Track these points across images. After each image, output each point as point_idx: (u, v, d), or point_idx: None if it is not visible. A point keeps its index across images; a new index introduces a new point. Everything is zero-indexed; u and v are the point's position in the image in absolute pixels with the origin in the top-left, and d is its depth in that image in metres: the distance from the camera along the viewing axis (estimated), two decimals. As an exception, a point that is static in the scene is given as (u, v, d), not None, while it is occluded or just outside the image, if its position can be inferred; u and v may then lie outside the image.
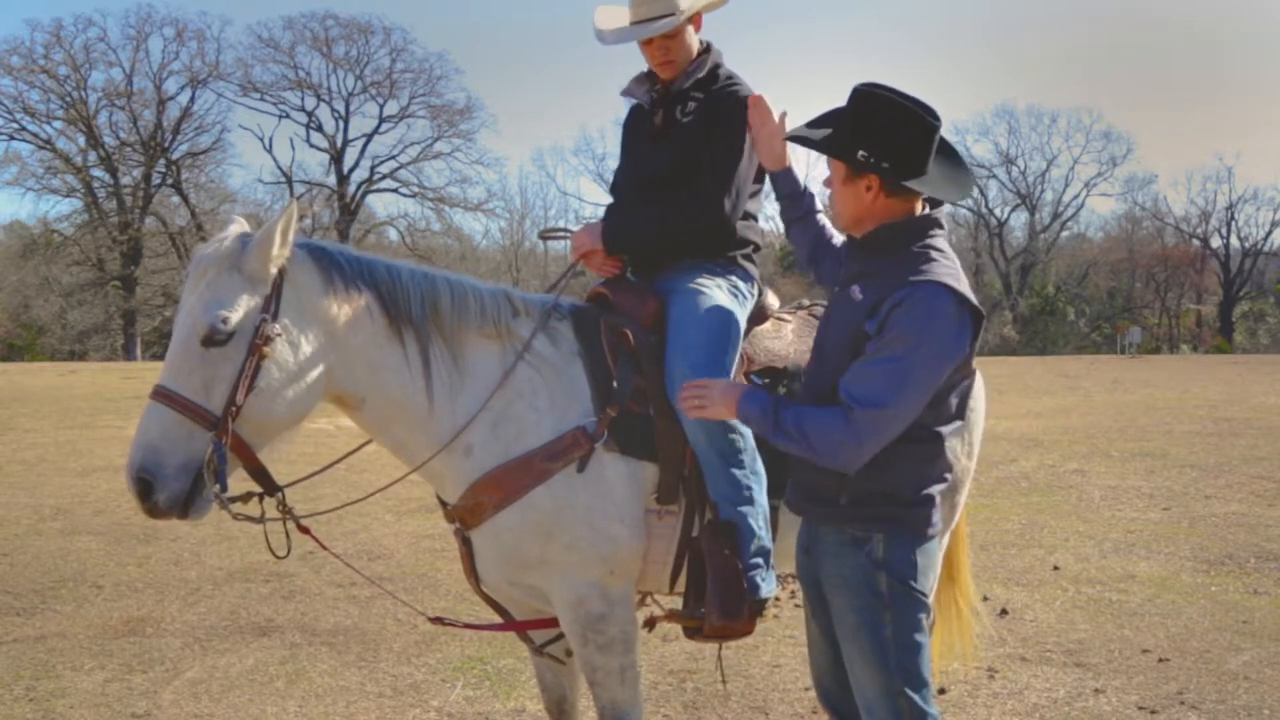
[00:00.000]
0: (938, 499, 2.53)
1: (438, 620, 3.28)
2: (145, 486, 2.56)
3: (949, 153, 2.54)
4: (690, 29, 3.14)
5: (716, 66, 3.20)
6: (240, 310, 2.61)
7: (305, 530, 2.90)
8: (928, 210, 2.52)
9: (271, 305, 2.65)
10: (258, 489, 2.80)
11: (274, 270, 2.67)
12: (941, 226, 2.52)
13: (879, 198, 2.47)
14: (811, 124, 2.62)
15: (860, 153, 2.41)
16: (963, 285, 2.41)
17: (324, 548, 3.07)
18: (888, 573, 2.46)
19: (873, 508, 2.47)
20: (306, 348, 2.70)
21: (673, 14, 3.03)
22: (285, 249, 2.69)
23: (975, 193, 54.74)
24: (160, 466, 2.56)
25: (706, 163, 3.09)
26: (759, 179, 3.20)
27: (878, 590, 2.46)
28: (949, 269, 2.43)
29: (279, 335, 2.64)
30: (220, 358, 2.59)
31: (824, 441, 2.40)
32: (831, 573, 2.54)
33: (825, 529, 2.55)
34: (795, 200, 3.02)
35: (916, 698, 2.47)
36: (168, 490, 2.57)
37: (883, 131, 2.41)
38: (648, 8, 3.08)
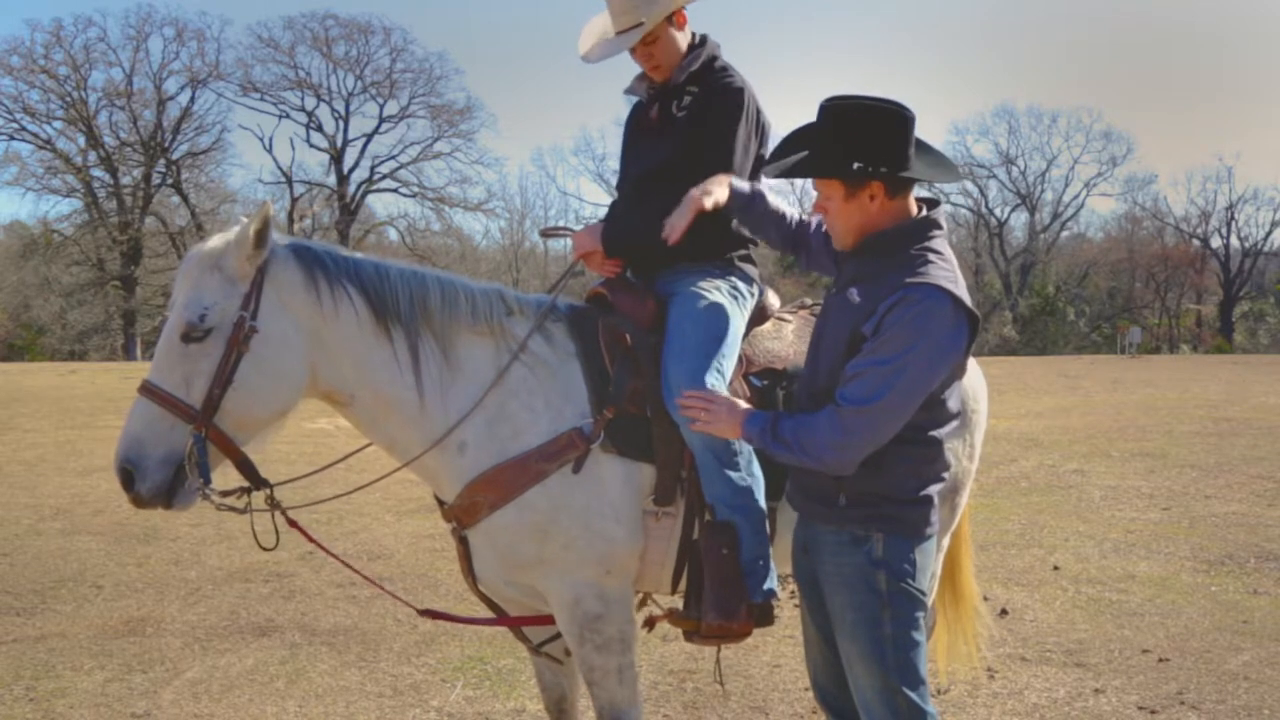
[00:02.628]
0: (936, 499, 2.54)
1: (428, 613, 3.29)
2: (128, 477, 2.64)
3: (921, 144, 2.55)
4: (671, 30, 3.14)
5: (712, 59, 3.20)
6: (217, 307, 2.67)
7: (294, 524, 2.92)
8: (925, 212, 2.52)
9: (251, 303, 2.68)
10: (246, 483, 2.83)
11: (253, 269, 2.71)
12: (940, 227, 2.52)
13: (882, 203, 2.46)
14: (781, 149, 2.63)
15: (855, 164, 2.40)
16: (960, 288, 2.41)
17: (313, 540, 3.06)
18: (887, 571, 2.47)
19: (872, 508, 2.47)
20: (286, 345, 2.73)
21: (641, 24, 3.06)
22: (262, 248, 2.72)
23: (976, 192, 54.91)
24: (143, 458, 2.63)
25: (703, 158, 3.09)
26: (754, 174, 3.20)
27: (876, 589, 2.47)
28: (946, 272, 2.42)
29: (256, 332, 2.67)
30: (199, 353, 2.65)
31: (815, 444, 2.41)
32: (830, 571, 2.55)
33: (824, 528, 2.55)
34: (747, 208, 2.99)
35: (914, 695, 2.48)
36: (149, 481, 2.63)
37: (866, 137, 2.40)
38: (622, 20, 3.11)
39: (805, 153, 2.52)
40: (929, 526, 2.53)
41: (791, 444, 2.45)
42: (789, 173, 2.53)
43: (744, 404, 2.68)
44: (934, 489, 2.53)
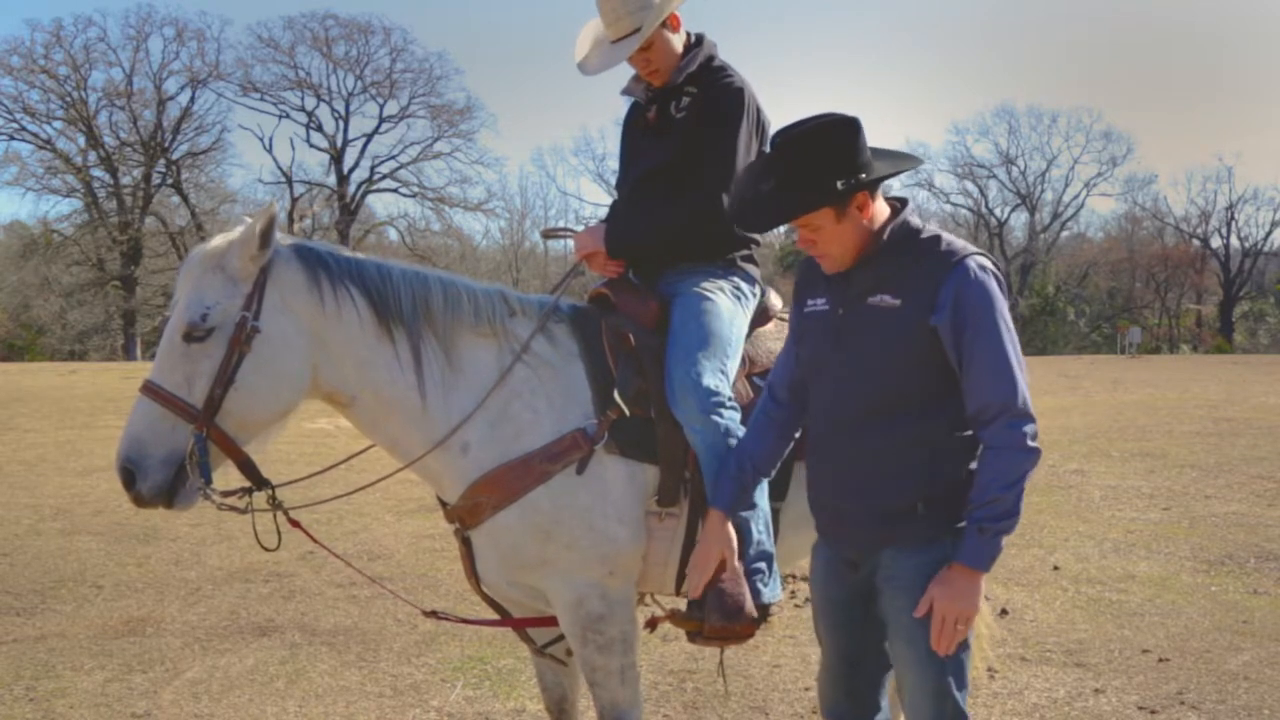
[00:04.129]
0: None
1: (432, 614, 3.29)
2: (129, 476, 2.64)
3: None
4: (666, 34, 3.12)
5: (710, 59, 3.19)
6: (220, 307, 2.67)
7: (295, 524, 2.92)
8: (902, 210, 2.56)
9: (253, 303, 2.69)
10: (247, 483, 2.83)
11: (256, 269, 2.71)
12: (917, 210, 2.59)
13: (869, 210, 2.48)
14: (743, 190, 2.62)
15: (838, 184, 2.40)
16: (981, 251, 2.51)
17: (315, 540, 3.07)
18: None
19: (950, 508, 2.42)
20: (288, 345, 2.73)
21: (639, 29, 3.05)
22: (265, 248, 2.71)
23: (976, 192, 54.97)
24: (144, 458, 2.63)
25: (704, 159, 3.08)
26: None
27: None
28: (963, 241, 2.50)
29: (258, 333, 2.68)
30: (201, 353, 2.65)
31: (1033, 457, 2.35)
32: (893, 575, 2.48)
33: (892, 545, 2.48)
34: (752, 489, 2.86)
35: (959, 698, 2.47)
36: (150, 480, 2.63)
37: (832, 155, 2.41)
38: (617, 27, 3.09)
39: (769, 188, 2.50)
40: None
41: (1020, 490, 2.35)
42: (777, 221, 2.52)
43: (954, 575, 2.41)
44: None
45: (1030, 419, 2.35)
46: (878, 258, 2.49)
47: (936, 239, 2.48)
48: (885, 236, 2.48)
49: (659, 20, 3.06)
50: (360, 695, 4.66)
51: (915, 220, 2.52)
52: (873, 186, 2.46)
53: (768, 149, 3.17)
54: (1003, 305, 2.42)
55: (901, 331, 2.43)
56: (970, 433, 2.43)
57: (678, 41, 3.17)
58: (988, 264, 2.45)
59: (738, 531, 2.86)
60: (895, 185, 55.06)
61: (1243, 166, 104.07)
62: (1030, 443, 2.35)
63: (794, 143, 2.44)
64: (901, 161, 2.55)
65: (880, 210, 2.51)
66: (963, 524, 2.41)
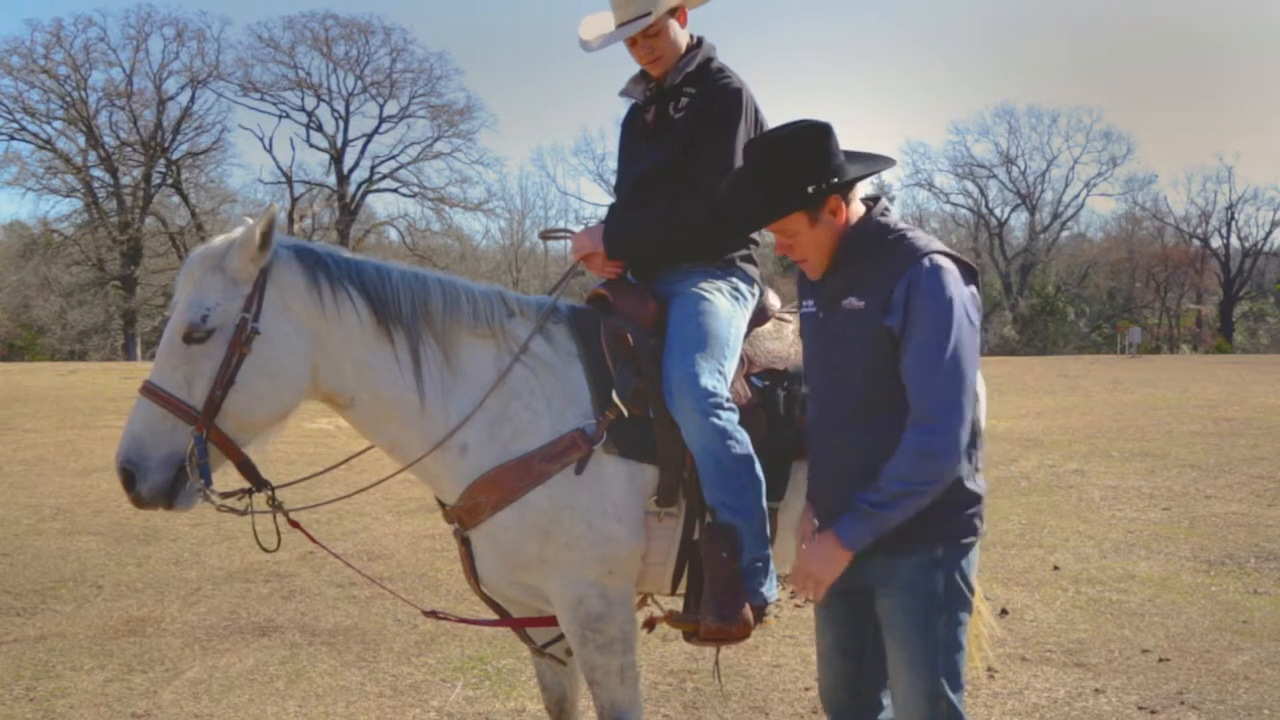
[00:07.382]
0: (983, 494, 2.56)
1: (433, 614, 3.29)
2: (129, 477, 2.64)
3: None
4: (674, 25, 3.15)
5: (708, 60, 3.21)
6: (220, 308, 2.67)
7: (295, 524, 2.92)
8: (876, 207, 2.55)
9: (253, 305, 2.69)
10: (247, 484, 2.84)
11: (256, 270, 2.72)
12: (889, 210, 2.57)
13: (842, 213, 2.48)
14: (726, 204, 2.62)
15: (809, 189, 2.41)
16: (944, 245, 2.47)
17: (315, 541, 3.07)
18: (945, 571, 2.45)
19: (939, 514, 2.42)
20: (288, 347, 2.73)
21: (650, 12, 3.06)
22: (266, 250, 2.72)
23: (976, 192, 54.99)
24: (144, 458, 2.63)
25: (702, 159, 3.09)
26: None
27: (934, 592, 2.45)
28: (927, 238, 2.47)
29: (259, 334, 2.68)
30: (201, 354, 2.66)
31: (930, 469, 2.34)
32: (883, 575, 2.49)
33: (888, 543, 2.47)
34: None
35: (954, 699, 2.47)
36: (149, 481, 2.64)
37: (804, 161, 2.42)
38: (627, 9, 3.10)
39: (743, 195, 2.52)
40: (983, 523, 2.54)
41: (905, 495, 2.34)
42: (752, 227, 2.57)
43: (826, 535, 2.46)
44: (984, 481, 2.55)
45: (933, 432, 2.32)
46: (848, 259, 2.50)
47: (901, 237, 2.46)
48: (851, 235, 2.48)
49: (670, 4, 3.09)
50: (360, 695, 4.66)
51: (884, 218, 2.51)
52: (844, 190, 2.46)
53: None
54: (951, 307, 2.36)
55: (867, 335, 2.43)
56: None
57: (682, 37, 3.20)
58: (945, 262, 2.41)
59: (732, 535, 2.86)
60: (894, 185, 55.11)
61: (1243, 166, 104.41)
62: (925, 449, 2.32)
63: (766, 149, 2.46)
64: (874, 163, 2.55)
65: (855, 213, 2.52)
66: (960, 534, 2.45)
